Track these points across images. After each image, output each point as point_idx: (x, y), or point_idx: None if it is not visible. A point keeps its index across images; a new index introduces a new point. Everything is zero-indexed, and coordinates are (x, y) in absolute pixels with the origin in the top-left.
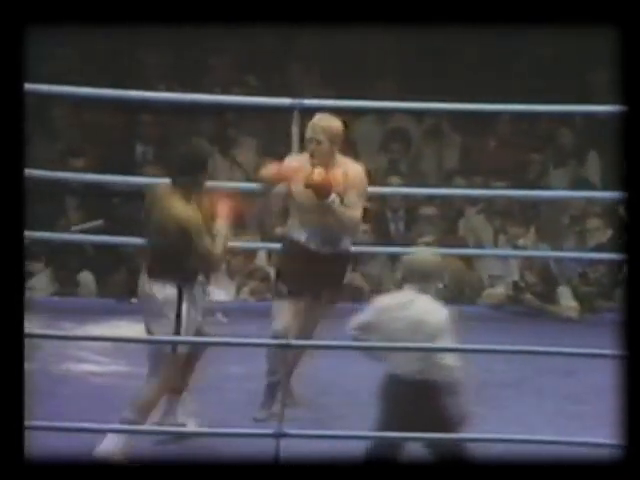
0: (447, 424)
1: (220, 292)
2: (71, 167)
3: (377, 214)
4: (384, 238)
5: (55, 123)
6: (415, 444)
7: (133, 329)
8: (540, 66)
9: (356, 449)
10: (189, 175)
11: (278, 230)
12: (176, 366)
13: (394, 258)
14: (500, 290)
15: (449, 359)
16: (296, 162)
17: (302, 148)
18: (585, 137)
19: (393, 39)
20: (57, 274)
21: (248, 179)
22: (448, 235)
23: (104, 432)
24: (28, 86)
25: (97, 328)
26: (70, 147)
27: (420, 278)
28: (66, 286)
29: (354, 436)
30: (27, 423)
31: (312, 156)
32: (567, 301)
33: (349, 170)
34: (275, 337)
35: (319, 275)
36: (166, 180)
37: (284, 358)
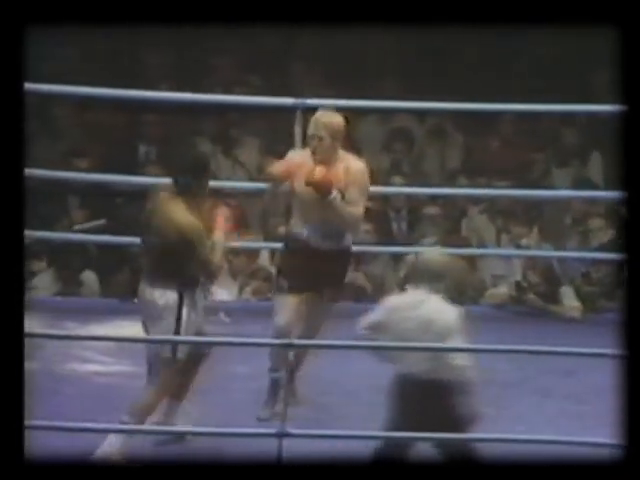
0: (457, 424)
1: (223, 292)
2: (74, 167)
3: (380, 214)
4: (387, 238)
5: (58, 123)
6: (424, 443)
7: (136, 329)
8: (542, 66)
9: (359, 449)
10: (190, 182)
11: (281, 229)
12: (175, 371)
13: (397, 258)
14: (503, 290)
15: (460, 359)
16: (298, 157)
17: (305, 147)
18: (588, 137)
19: (395, 39)
20: (60, 274)
21: (251, 179)
22: (451, 235)
23: (105, 432)
24: (28, 86)
25: (100, 328)
26: (73, 147)
27: (430, 278)
28: (69, 286)
29: (357, 436)
30: (27, 423)
31: (314, 152)
32: (570, 301)
33: (351, 166)
34: (277, 333)
35: (320, 271)
36: (168, 182)
37: (286, 356)
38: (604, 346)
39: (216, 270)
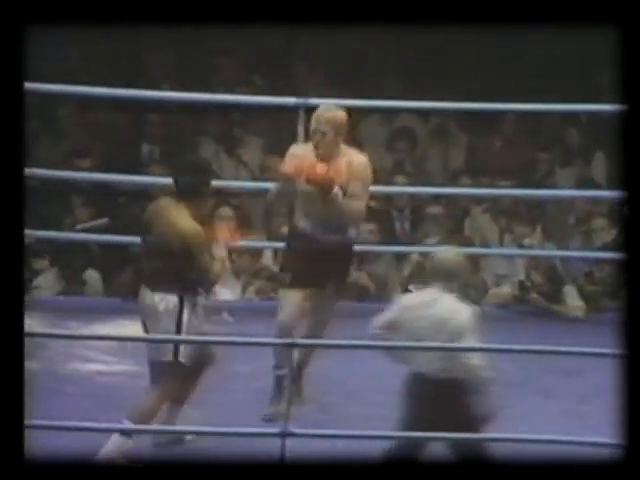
0: (470, 423)
1: (226, 291)
2: (77, 167)
3: (383, 213)
4: (390, 237)
5: (62, 123)
6: (437, 442)
7: (139, 328)
8: (545, 66)
9: (362, 449)
10: (192, 187)
11: (284, 228)
12: (177, 376)
13: (400, 257)
14: (506, 289)
15: (474, 358)
16: (301, 151)
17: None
18: (592, 137)
19: (396, 39)
20: (63, 273)
21: (254, 178)
22: (454, 234)
23: (105, 432)
24: (28, 85)
25: (104, 327)
26: (76, 147)
27: (445, 277)
28: (72, 285)
29: (360, 436)
30: (27, 422)
31: (316, 147)
32: (573, 301)
33: (353, 160)
34: (280, 329)
35: (324, 264)
36: (170, 186)
37: (290, 353)
38: (607, 346)
39: (215, 279)
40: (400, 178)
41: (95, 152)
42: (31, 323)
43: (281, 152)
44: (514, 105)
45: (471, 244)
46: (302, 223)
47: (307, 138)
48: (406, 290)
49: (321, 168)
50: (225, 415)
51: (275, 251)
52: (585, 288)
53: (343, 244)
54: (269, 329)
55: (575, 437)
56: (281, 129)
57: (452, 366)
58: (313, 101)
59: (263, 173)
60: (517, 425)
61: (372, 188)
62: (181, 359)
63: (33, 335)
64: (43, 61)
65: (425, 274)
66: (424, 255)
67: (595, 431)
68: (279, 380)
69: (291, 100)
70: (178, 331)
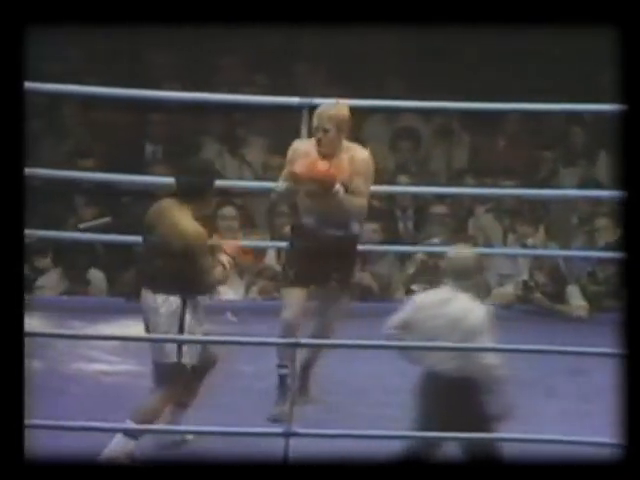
0: (484, 422)
1: (229, 291)
2: (81, 166)
3: (386, 213)
4: (393, 237)
5: (65, 123)
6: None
7: (143, 328)
8: (547, 66)
9: (366, 449)
10: (196, 190)
11: (287, 227)
12: (181, 377)
13: (403, 257)
14: (509, 289)
15: (489, 357)
16: (304, 147)
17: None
18: (596, 137)
19: (400, 38)
20: (67, 273)
21: (257, 178)
22: (457, 234)
23: (105, 432)
24: (28, 85)
25: (108, 327)
26: (80, 146)
27: (459, 276)
28: (76, 284)
29: (364, 435)
30: (27, 422)
31: (319, 144)
32: (576, 300)
33: (355, 156)
34: (284, 326)
35: (327, 260)
36: (173, 187)
37: (294, 352)
38: (610, 345)
39: (216, 281)
40: (403, 178)
41: (98, 152)
42: (35, 323)
43: (284, 152)
44: (517, 105)
45: (475, 244)
46: (305, 220)
47: (310, 138)
48: (409, 290)
49: (323, 165)
50: (228, 415)
51: (278, 251)
52: (588, 288)
53: (346, 239)
54: (272, 329)
55: (577, 437)
56: (284, 129)
57: (466, 365)
58: (317, 101)
59: (266, 173)
60: (520, 424)
61: (375, 188)
62: (184, 361)
63: (34, 335)
64: (43, 61)
65: (428, 273)
66: (428, 255)
67: (598, 431)
68: (283, 379)
69: (294, 100)
70: (181, 332)
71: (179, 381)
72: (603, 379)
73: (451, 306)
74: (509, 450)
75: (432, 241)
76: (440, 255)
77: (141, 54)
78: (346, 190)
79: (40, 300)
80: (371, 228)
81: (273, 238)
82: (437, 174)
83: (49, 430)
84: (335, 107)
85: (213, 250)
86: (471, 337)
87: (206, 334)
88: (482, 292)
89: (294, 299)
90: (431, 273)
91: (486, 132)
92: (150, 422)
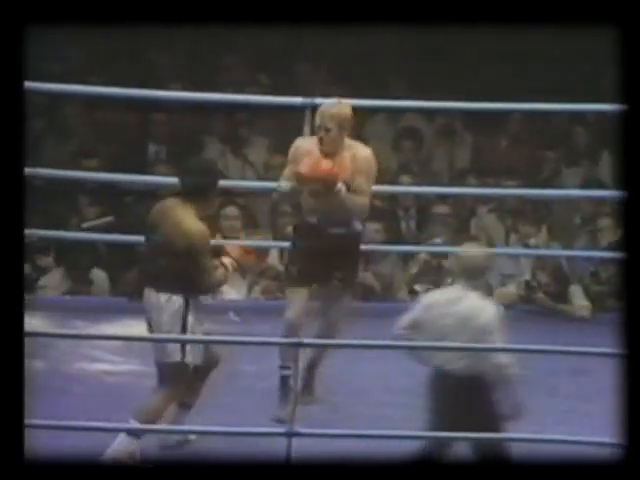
0: (494, 421)
1: (232, 291)
2: (84, 166)
3: (389, 213)
4: (396, 237)
5: (68, 123)
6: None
7: (145, 328)
8: (549, 66)
9: (368, 449)
10: (199, 190)
11: (290, 228)
12: (185, 377)
13: (406, 257)
14: (512, 289)
15: (500, 356)
16: (306, 145)
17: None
18: (599, 137)
19: (401, 38)
20: (70, 272)
21: (259, 178)
22: (460, 234)
23: (105, 431)
24: (29, 84)
25: (110, 327)
26: (83, 146)
27: (469, 275)
28: (79, 284)
29: (366, 435)
30: (27, 422)
31: (321, 143)
32: (579, 300)
33: (357, 154)
34: (288, 325)
35: (330, 258)
36: (176, 187)
37: (296, 352)
38: (613, 345)
39: (217, 283)
40: (406, 178)
41: (102, 152)
42: (37, 322)
43: (287, 152)
44: (520, 105)
45: (480, 243)
46: (307, 219)
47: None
48: (412, 290)
49: (325, 164)
50: (231, 415)
51: (281, 250)
52: (591, 288)
53: (348, 237)
54: (275, 329)
55: (579, 437)
56: (287, 129)
57: (476, 364)
58: (319, 101)
59: (269, 172)
60: (523, 424)
61: (378, 188)
62: (187, 361)
63: (36, 335)
64: (43, 61)
65: (431, 273)
66: (431, 255)
67: (599, 431)
68: (285, 381)
69: (297, 100)
70: (183, 332)
71: (182, 381)
72: (606, 379)
73: (461, 305)
74: (510, 450)
75: (434, 241)
76: (443, 255)
77: (143, 54)
78: (348, 188)
79: (43, 300)
80: (373, 228)
81: (276, 238)
82: (439, 174)
83: (52, 430)
84: (337, 106)
85: (216, 251)
86: (481, 336)
87: (207, 334)
88: (484, 292)
89: (297, 299)
90: (434, 273)
91: (488, 132)
92: (153, 422)
